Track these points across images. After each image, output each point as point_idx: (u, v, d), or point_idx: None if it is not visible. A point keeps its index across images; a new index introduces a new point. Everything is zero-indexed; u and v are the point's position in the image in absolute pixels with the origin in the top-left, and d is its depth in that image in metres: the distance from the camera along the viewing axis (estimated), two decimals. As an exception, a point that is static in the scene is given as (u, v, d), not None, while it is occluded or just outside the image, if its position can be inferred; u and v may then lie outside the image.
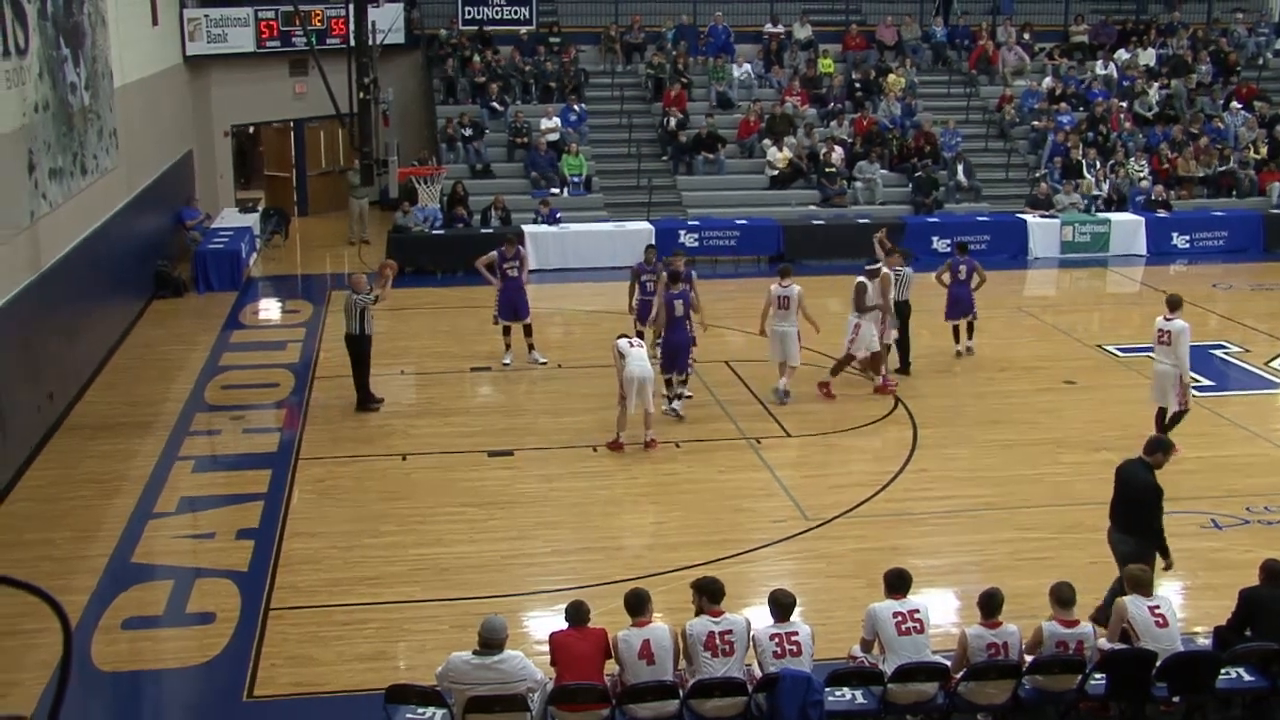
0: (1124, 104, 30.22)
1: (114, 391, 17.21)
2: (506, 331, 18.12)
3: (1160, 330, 14.42)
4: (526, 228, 23.84)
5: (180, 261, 23.59)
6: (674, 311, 15.59)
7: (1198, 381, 17.26)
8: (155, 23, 23.94)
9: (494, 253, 18.08)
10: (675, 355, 15.69)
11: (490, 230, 24.63)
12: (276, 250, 26.74)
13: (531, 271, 18.96)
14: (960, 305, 18.34)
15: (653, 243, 22.13)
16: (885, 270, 16.75)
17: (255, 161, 32.01)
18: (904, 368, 17.61)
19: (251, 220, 25.97)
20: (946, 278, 18.16)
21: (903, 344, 17.57)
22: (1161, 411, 14.67)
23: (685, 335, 15.71)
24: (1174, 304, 14.45)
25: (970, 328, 18.65)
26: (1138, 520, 10.27)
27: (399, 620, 10.79)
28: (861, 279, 16.57)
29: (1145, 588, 9.03)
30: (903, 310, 17.38)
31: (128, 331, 20.07)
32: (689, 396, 16.08)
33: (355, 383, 16.33)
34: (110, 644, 10.43)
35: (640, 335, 17.43)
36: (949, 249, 18.45)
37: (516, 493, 13.64)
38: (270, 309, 22.45)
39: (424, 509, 13.18)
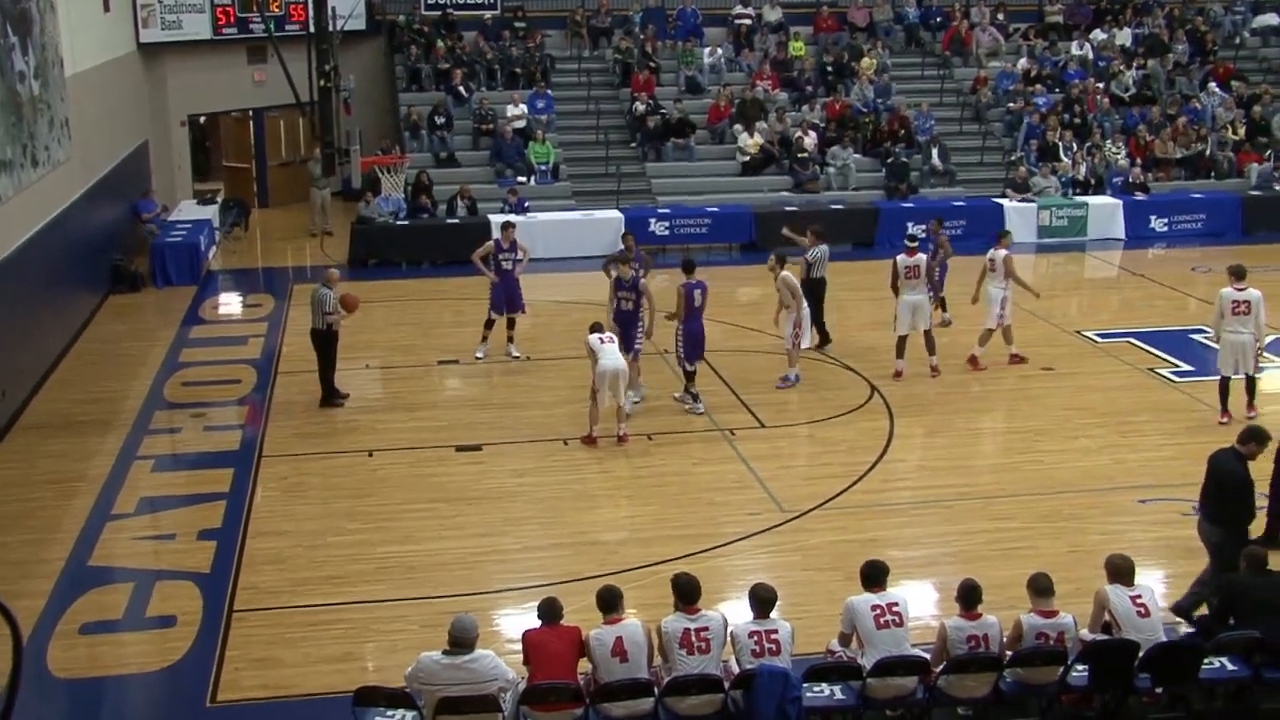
0: (1100, 85, 30.36)
1: (70, 389, 17.08)
2: (489, 325, 18.03)
3: (1236, 301, 14.87)
4: (494, 217, 23.76)
5: (137, 255, 23.41)
6: (692, 301, 15.48)
7: (1179, 366, 17.42)
8: (107, 9, 23.71)
9: (490, 243, 17.98)
10: (696, 344, 15.65)
11: (456, 220, 24.57)
12: (236, 243, 26.57)
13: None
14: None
15: (627, 230, 22.08)
16: (785, 274, 16.57)
17: (214, 152, 31.82)
18: (824, 341, 18.08)
19: (210, 212, 25.79)
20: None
21: (818, 319, 17.86)
22: (1225, 382, 15.09)
23: (702, 326, 15.66)
24: (1240, 273, 15.03)
25: (941, 303, 18.88)
26: (1226, 511, 10.24)
27: (366, 620, 10.74)
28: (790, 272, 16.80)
29: (1126, 576, 9.07)
30: (818, 288, 17.70)
31: (84, 327, 19.91)
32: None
33: (320, 378, 16.26)
34: (67, 650, 10.34)
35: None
36: (927, 235, 18.59)
37: (486, 488, 13.61)
38: (231, 303, 22.31)
39: (391, 506, 13.14)
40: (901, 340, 17.18)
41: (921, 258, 17.05)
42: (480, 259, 17.93)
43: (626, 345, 15.41)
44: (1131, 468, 14.11)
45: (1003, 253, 17.34)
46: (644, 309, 15.76)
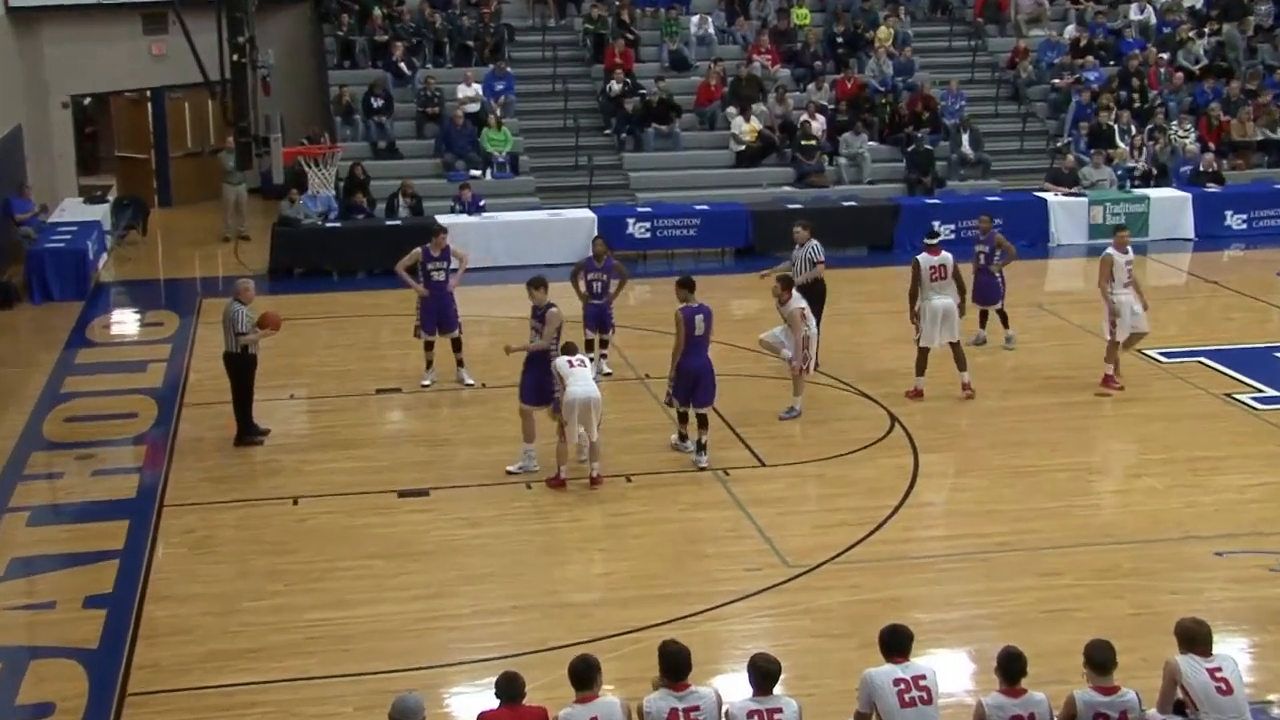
0: (1164, 55, 30.50)
1: (-68, 427, 17.00)
2: (429, 347, 18.02)
3: None
4: (442, 218, 23.75)
5: (10, 264, 23.32)
6: (693, 329, 15.05)
7: (1262, 391, 17.47)
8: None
9: (417, 250, 17.99)
10: (695, 386, 15.15)
11: (398, 222, 24.54)
12: (133, 249, 26.51)
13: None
14: (984, 290, 18.90)
15: (598, 233, 22.10)
16: (795, 306, 16.65)
17: (103, 141, 31.75)
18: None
19: (100, 213, 25.72)
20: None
21: None
22: None
23: (707, 361, 15.25)
24: None
25: (1003, 316, 19.22)
26: None
27: (292, 702, 10.66)
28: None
29: (1202, 645, 9.04)
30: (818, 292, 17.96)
31: (-53, 352, 19.85)
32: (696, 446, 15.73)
33: (235, 411, 16.19)
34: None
35: (589, 346, 17.44)
36: (958, 237, 18.66)
37: (434, 541, 13.56)
38: (126, 322, 22.24)
39: (321, 563, 13.07)
40: (924, 354, 17.20)
41: (948, 256, 17.15)
42: (405, 270, 17.96)
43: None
44: (1206, 513, 14.11)
45: (1127, 254, 17.44)
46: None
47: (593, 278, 17.95)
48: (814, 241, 18.18)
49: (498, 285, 22.47)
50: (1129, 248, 17.59)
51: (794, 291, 16.68)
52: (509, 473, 14.99)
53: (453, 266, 18.08)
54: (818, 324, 17.76)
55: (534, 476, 14.89)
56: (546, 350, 14.94)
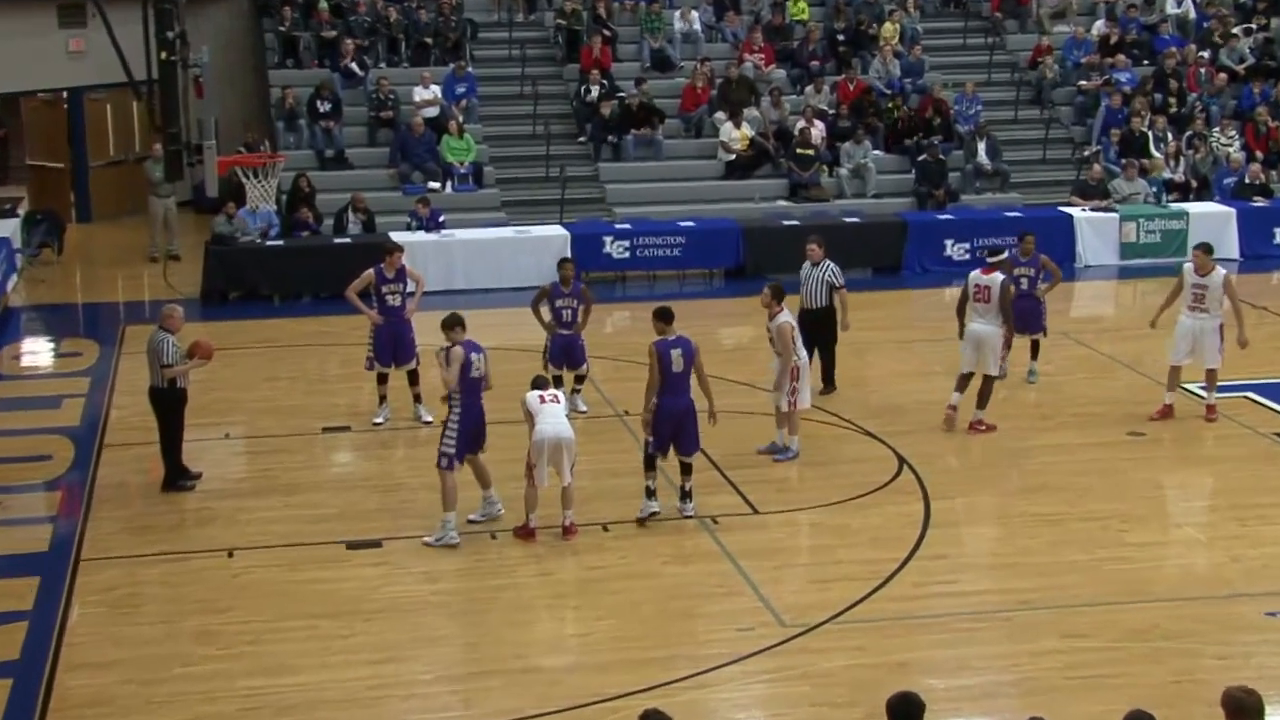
0: (1205, 54, 30.65)
1: None
2: (383, 380, 18.01)
3: None
4: (397, 235, 23.76)
5: (-89, 288, 23.28)
6: (669, 365, 14.92)
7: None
8: None
9: (370, 272, 17.98)
10: (677, 432, 15.03)
11: (347, 240, 24.53)
12: (46, 270, 26.47)
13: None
14: (1027, 318, 18.98)
15: (569, 255, 22.12)
16: (784, 320, 16.77)
17: (13, 147, 31.72)
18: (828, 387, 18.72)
19: (10, 229, 25.69)
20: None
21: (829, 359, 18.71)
22: None
23: (689, 402, 15.09)
24: None
25: (1034, 345, 19.36)
26: None
27: (224, 780, 10.63)
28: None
29: (1253, 716, 9.02)
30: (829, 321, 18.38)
31: None
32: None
33: (162, 452, 16.17)
34: None
35: (558, 381, 17.40)
36: (972, 257, 18.69)
37: (388, 598, 13.52)
38: (38, 352, 22.22)
39: (259, 623, 13.01)
40: (964, 378, 17.47)
41: (998, 278, 17.31)
42: (356, 294, 17.95)
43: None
44: (1254, 568, 14.11)
45: (1204, 277, 17.58)
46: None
47: (561, 304, 17.92)
48: (830, 262, 18.38)
49: (462, 310, 22.37)
50: (1216, 271, 17.67)
51: (784, 305, 16.68)
52: (470, 521, 14.96)
53: (409, 289, 18.08)
54: (832, 355, 17.89)
55: (498, 525, 14.87)
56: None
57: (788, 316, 16.67)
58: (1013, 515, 15.38)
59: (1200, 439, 17.50)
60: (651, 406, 14.93)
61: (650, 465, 15.09)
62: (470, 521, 14.95)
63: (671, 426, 14.99)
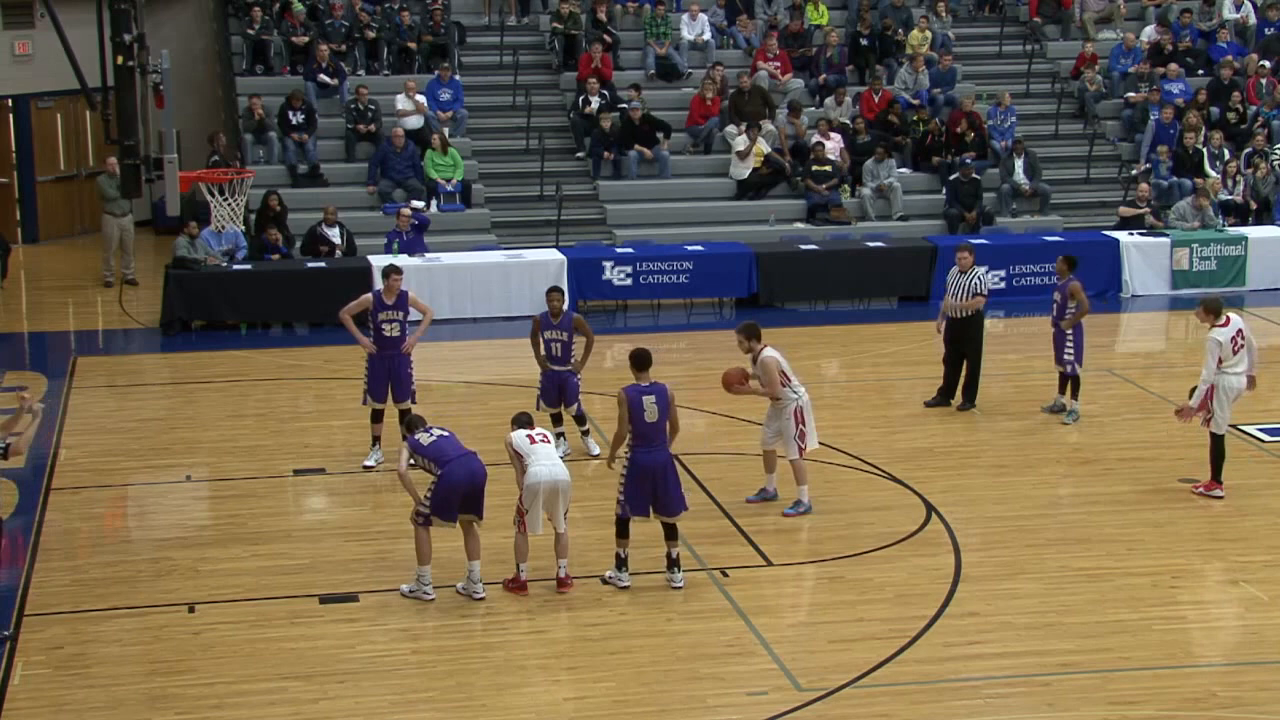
0: (1266, 63, 30.70)
1: None
2: (377, 417, 17.95)
3: None
4: (377, 259, 23.78)
5: None
6: (642, 413, 14.72)
7: None
8: None
9: (367, 296, 17.93)
10: (655, 490, 14.73)
11: (321, 264, 24.56)
12: (-9, 296, 26.55)
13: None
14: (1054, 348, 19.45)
15: (560, 284, 22.09)
16: (768, 355, 16.71)
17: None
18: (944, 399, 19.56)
19: (-50, 251, 25.78)
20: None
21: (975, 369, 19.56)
22: None
23: (667, 456, 14.83)
24: None
25: (1072, 383, 19.60)
26: None
27: None
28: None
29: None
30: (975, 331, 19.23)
31: None
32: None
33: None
34: None
35: (557, 420, 17.41)
36: (1008, 286, 18.81)
37: (363, 658, 13.51)
38: (-19, 385, 22.23)
39: (222, 685, 13.01)
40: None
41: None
42: (351, 316, 17.89)
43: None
44: (1317, 627, 14.16)
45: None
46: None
47: (550, 337, 17.79)
48: (978, 269, 19.31)
49: (449, 342, 22.53)
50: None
51: (765, 342, 16.61)
52: (403, 595, 14.70)
53: (413, 317, 17.99)
54: (977, 368, 18.26)
55: (485, 575, 14.84)
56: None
57: (772, 351, 16.52)
58: (1051, 570, 15.37)
59: (1260, 488, 17.48)
60: (622, 460, 14.77)
61: (623, 531, 14.86)
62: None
63: (650, 485, 14.73)
